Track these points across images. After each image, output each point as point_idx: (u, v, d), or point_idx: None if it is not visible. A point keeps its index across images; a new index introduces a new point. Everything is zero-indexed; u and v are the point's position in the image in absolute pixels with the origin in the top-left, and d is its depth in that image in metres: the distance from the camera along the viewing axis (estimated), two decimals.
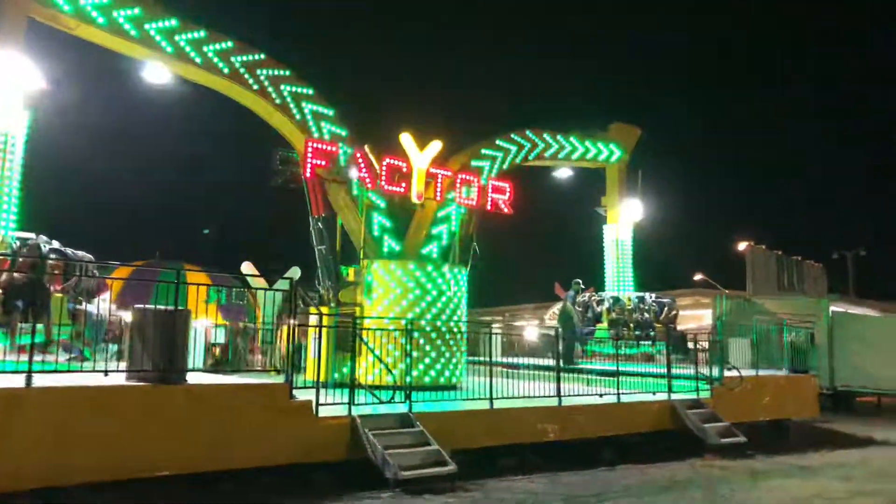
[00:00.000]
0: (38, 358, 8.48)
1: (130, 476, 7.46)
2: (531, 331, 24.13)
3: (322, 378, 12.45)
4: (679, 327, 20.44)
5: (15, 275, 9.13)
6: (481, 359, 17.85)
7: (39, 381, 7.20)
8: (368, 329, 12.55)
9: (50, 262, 9.72)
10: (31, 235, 9.99)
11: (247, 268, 17.70)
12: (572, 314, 17.31)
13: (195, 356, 13.85)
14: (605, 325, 18.55)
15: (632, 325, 18.26)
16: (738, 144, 62.65)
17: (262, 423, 8.45)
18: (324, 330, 12.72)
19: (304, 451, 8.74)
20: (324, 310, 13.65)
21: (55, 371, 7.70)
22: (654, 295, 19.55)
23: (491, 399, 10.85)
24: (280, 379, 9.07)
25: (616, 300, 18.94)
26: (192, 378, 8.42)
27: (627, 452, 11.89)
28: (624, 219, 20.16)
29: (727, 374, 14.30)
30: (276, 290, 12.35)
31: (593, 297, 19.19)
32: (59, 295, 9.83)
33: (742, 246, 27.17)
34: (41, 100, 10.90)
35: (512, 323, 32.36)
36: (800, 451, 13.37)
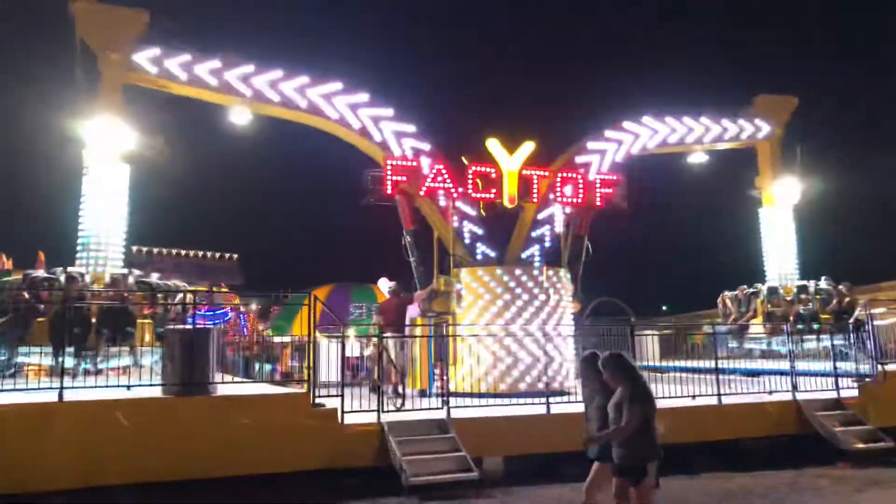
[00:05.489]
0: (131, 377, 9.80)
1: (157, 479, 8.24)
2: None
3: (420, 387, 12.99)
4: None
5: (103, 305, 10.60)
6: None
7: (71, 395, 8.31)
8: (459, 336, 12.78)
9: (138, 292, 11.03)
10: (125, 271, 11.47)
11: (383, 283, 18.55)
12: None
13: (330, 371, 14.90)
14: (759, 319, 16.56)
15: (791, 318, 16.05)
16: None
17: (286, 431, 8.86)
18: (418, 340, 13.18)
19: (330, 458, 8.98)
20: (418, 321, 13.89)
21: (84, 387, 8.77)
22: (822, 282, 17.01)
23: (548, 403, 10.29)
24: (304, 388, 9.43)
25: (773, 291, 16.82)
26: (222, 389, 9.11)
27: (726, 460, 10.52)
28: (781, 200, 17.89)
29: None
30: None
31: (745, 291, 17.21)
32: (149, 321, 11.12)
33: None
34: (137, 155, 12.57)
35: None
36: None
